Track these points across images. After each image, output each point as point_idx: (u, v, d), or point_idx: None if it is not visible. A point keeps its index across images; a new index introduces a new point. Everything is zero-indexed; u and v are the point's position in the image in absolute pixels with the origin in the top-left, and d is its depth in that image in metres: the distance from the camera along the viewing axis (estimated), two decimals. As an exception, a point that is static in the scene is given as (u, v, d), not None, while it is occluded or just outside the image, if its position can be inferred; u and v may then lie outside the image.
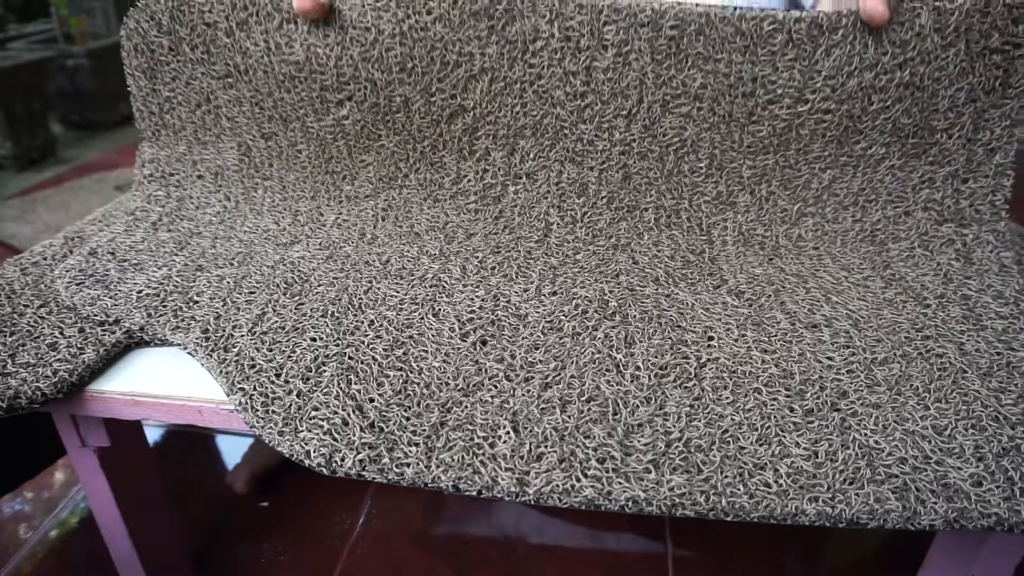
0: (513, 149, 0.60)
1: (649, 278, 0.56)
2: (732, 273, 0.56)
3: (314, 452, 0.40)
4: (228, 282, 0.54)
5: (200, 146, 0.66)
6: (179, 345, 0.49)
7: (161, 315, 0.50)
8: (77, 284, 0.53)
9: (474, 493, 0.38)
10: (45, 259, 0.59)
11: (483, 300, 0.52)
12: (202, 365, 0.47)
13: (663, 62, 0.55)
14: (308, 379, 0.44)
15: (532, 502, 0.38)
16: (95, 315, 0.51)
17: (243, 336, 0.48)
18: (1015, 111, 0.57)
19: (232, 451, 0.98)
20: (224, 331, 0.48)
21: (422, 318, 0.50)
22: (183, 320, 0.50)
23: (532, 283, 0.55)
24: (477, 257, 0.58)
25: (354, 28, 0.56)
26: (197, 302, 0.51)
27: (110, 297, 0.52)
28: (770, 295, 0.53)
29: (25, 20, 2.79)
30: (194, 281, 0.54)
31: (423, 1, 0.55)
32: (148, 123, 0.67)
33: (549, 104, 0.58)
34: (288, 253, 0.58)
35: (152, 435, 1.01)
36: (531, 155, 0.60)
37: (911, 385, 0.44)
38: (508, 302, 0.52)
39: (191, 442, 1.01)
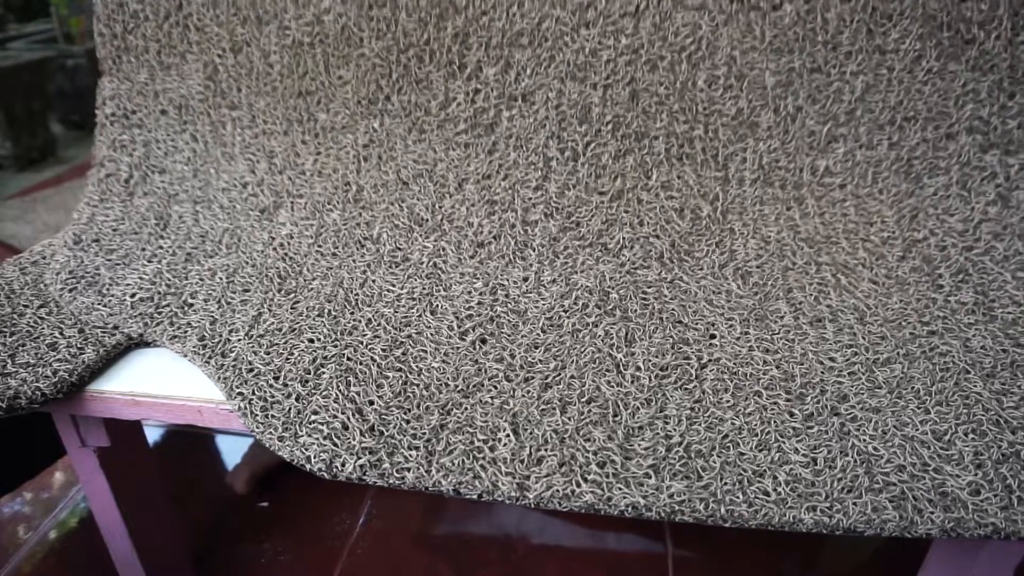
0: (508, 63, 0.55)
1: (653, 254, 0.52)
2: (743, 239, 0.52)
3: (315, 457, 0.39)
4: (220, 277, 0.53)
5: (163, 71, 0.60)
6: (178, 352, 0.49)
7: (158, 324, 0.50)
8: (70, 290, 0.53)
9: (475, 497, 0.38)
10: (45, 259, 0.58)
11: (481, 294, 0.51)
12: (201, 371, 0.47)
13: None
14: (307, 381, 0.44)
15: (532, 506, 0.38)
16: (93, 323, 0.51)
17: (240, 340, 0.48)
18: None
19: (232, 451, 0.98)
20: (221, 336, 0.48)
21: (420, 315, 0.49)
22: (179, 328, 0.49)
23: (531, 267, 0.53)
24: (471, 224, 0.53)
25: None
26: (192, 305, 0.51)
27: (105, 305, 0.51)
28: (778, 276, 0.51)
29: (25, 20, 2.78)
30: (186, 277, 0.53)
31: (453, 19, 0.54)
32: (110, 48, 0.61)
33: (548, 5, 0.54)
34: (275, 228, 0.56)
35: (152, 435, 1.01)
36: (528, 71, 0.55)
37: (912, 387, 0.44)
38: (507, 295, 0.51)
39: (191, 442, 1.01)
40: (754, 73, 0.53)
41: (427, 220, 0.53)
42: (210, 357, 0.46)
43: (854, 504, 0.37)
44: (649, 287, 0.51)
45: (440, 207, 0.53)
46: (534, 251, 0.52)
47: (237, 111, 0.59)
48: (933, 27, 0.52)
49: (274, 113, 0.58)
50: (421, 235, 0.52)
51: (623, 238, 0.52)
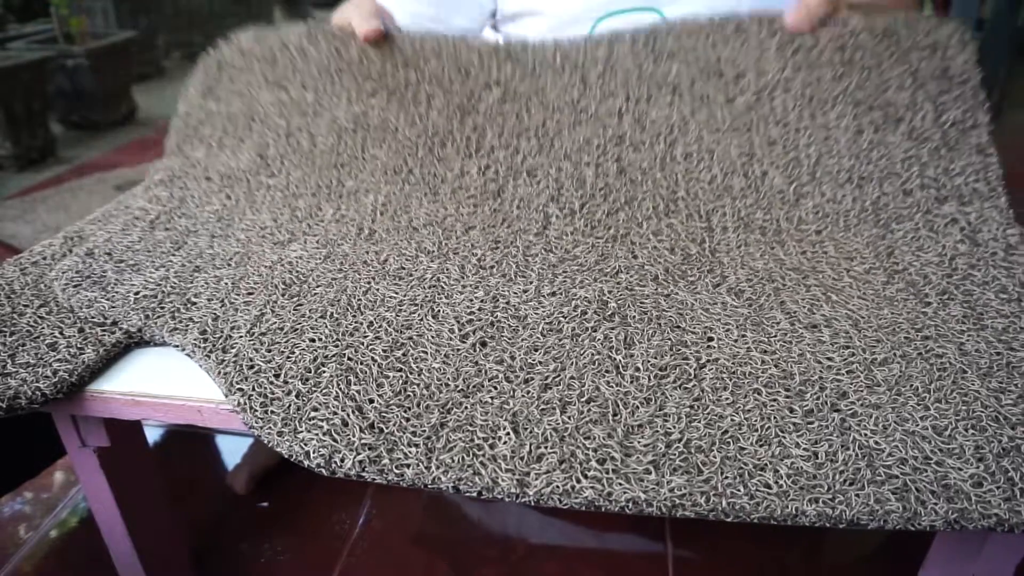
0: (516, 149, 0.65)
1: (648, 276, 0.55)
2: (733, 268, 0.56)
3: (313, 453, 0.40)
4: (226, 283, 0.54)
5: (219, 151, 0.69)
6: (177, 347, 0.49)
7: (159, 317, 0.50)
8: (74, 286, 0.53)
9: (474, 494, 0.38)
10: (45, 259, 0.59)
11: (482, 301, 0.52)
12: (201, 367, 0.47)
13: (642, 63, 0.66)
14: (307, 380, 0.44)
15: (532, 503, 0.38)
16: (92, 317, 0.51)
17: (241, 337, 0.48)
18: (970, 96, 0.61)
19: (232, 451, 0.98)
20: (222, 332, 0.48)
21: (421, 319, 0.50)
22: (181, 322, 0.49)
23: (531, 283, 0.54)
24: (476, 254, 0.58)
25: (401, 44, 0.70)
26: (195, 303, 0.51)
27: (107, 299, 0.52)
28: (770, 294, 0.53)
29: (25, 20, 2.78)
30: (192, 282, 0.54)
31: (461, 37, 0.69)
32: (179, 137, 0.72)
33: (550, 110, 0.66)
34: (286, 252, 0.58)
35: (152, 435, 1.01)
36: (532, 153, 0.65)
37: (911, 385, 0.44)
38: (507, 303, 0.52)
39: (191, 442, 1.01)
40: (721, 147, 0.62)
41: (433, 251, 0.58)
42: (211, 351, 0.46)
43: (857, 496, 0.37)
44: (646, 299, 0.53)
45: (447, 244, 0.59)
46: (534, 272, 0.56)
47: (274, 179, 0.66)
48: (864, 109, 0.62)
49: (307, 180, 0.66)
50: (426, 260, 0.57)
51: (619, 266, 0.56)
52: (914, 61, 0.62)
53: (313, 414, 0.42)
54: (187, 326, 0.49)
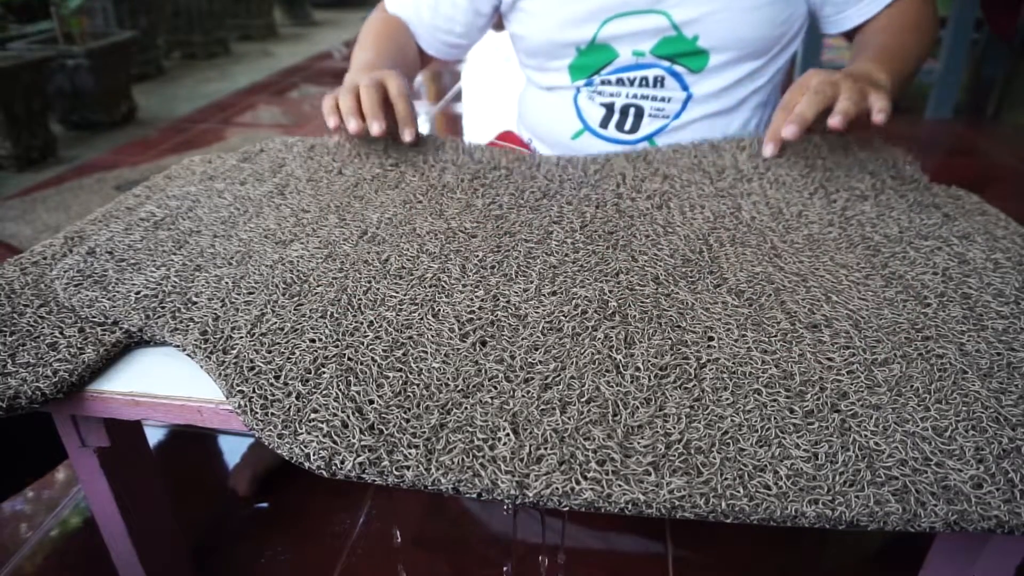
0: (521, 191, 0.72)
1: (649, 276, 0.55)
2: (732, 271, 0.56)
3: (314, 455, 0.39)
4: (227, 282, 0.54)
5: (240, 185, 0.72)
6: (178, 347, 0.49)
7: (159, 317, 0.50)
8: (75, 285, 0.53)
9: (474, 496, 0.38)
10: (45, 259, 0.59)
11: (483, 300, 0.52)
12: (201, 367, 0.47)
13: (636, 163, 0.76)
14: (307, 381, 0.44)
15: (532, 504, 0.38)
16: (93, 316, 0.51)
17: (242, 338, 0.48)
18: (923, 188, 0.70)
19: (232, 451, 0.98)
20: (223, 333, 0.48)
21: (421, 319, 0.50)
22: (181, 322, 0.49)
23: (532, 282, 0.54)
24: (477, 255, 0.58)
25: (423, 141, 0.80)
26: (195, 303, 0.51)
27: (108, 299, 0.52)
28: (770, 294, 0.53)
29: (25, 20, 2.78)
30: (192, 281, 0.54)
31: (483, 178, 0.74)
32: (204, 174, 0.76)
33: (553, 181, 0.74)
34: (287, 252, 0.58)
35: (152, 435, 1.01)
36: (536, 196, 0.70)
37: (911, 386, 0.44)
38: (508, 302, 0.52)
39: (191, 442, 1.01)
40: (711, 205, 0.67)
41: (435, 252, 0.59)
42: (211, 352, 0.46)
43: (856, 497, 0.37)
44: (647, 298, 0.53)
45: (449, 246, 0.60)
46: (535, 272, 0.56)
47: (286, 200, 0.68)
48: (833, 189, 0.69)
49: (318, 201, 0.68)
50: (427, 260, 0.57)
51: (619, 267, 0.57)
52: (871, 166, 0.73)
53: (313, 416, 0.42)
54: (188, 326, 0.49)
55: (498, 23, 0.93)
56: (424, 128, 0.81)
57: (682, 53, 0.81)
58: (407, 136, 0.75)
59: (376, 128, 0.71)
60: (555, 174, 0.75)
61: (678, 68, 0.82)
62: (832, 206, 0.67)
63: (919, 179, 0.71)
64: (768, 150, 0.73)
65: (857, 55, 0.81)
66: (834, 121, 0.65)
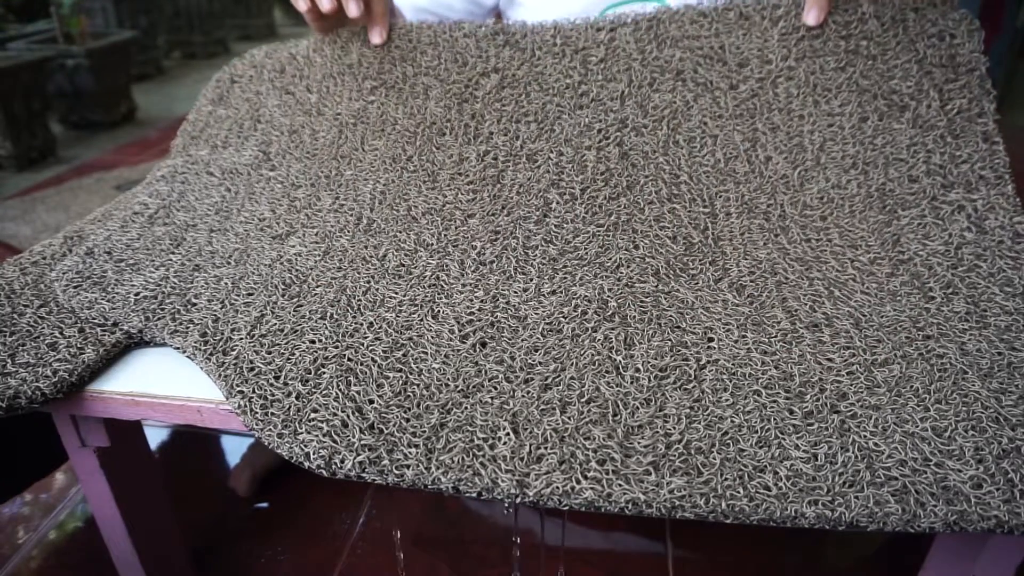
0: (515, 135, 0.65)
1: (649, 270, 0.55)
2: (735, 259, 0.55)
3: (314, 454, 0.40)
4: (226, 283, 0.54)
5: (223, 149, 0.70)
6: (178, 349, 0.49)
7: (159, 319, 0.50)
8: (75, 287, 0.53)
9: (474, 495, 0.38)
10: (45, 259, 0.59)
11: (482, 301, 0.52)
12: (201, 368, 0.47)
13: (645, 47, 0.66)
14: (307, 381, 0.44)
15: (532, 504, 0.38)
16: (93, 318, 0.51)
17: (242, 339, 0.48)
18: (976, 84, 0.61)
19: (232, 451, 0.98)
20: (222, 334, 0.48)
21: (421, 320, 0.50)
22: (181, 324, 0.49)
23: (531, 281, 0.54)
24: (475, 247, 0.57)
25: (398, 39, 0.72)
26: (195, 304, 0.51)
27: (108, 301, 0.52)
28: (772, 289, 0.52)
29: (25, 20, 2.78)
30: (192, 282, 0.54)
31: (457, 24, 0.70)
32: (185, 139, 0.74)
33: (550, 94, 0.66)
34: (285, 248, 0.58)
35: (152, 435, 1.01)
36: (532, 138, 0.64)
37: (911, 386, 0.44)
38: (507, 303, 0.52)
39: (191, 442, 1.01)
40: (724, 133, 0.62)
41: (432, 244, 0.57)
42: (211, 354, 0.46)
43: (856, 498, 0.37)
44: (647, 297, 0.52)
45: (446, 235, 0.58)
46: (534, 268, 0.55)
47: (275, 172, 0.67)
48: (868, 97, 0.61)
49: (307, 172, 0.66)
50: (426, 255, 0.56)
51: (620, 258, 0.56)
52: (920, 49, 0.62)
53: (313, 415, 0.42)
54: (187, 328, 0.49)
55: (497, 17, 0.93)
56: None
57: None
58: (376, 38, 0.70)
59: (353, 9, 0.65)
60: (554, 74, 0.67)
61: None
62: (863, 128, 0.61)
63: (976, 66, 0.61)
64: (811, 17, 0.63)
65: None
66: (809, 18, 0.61)
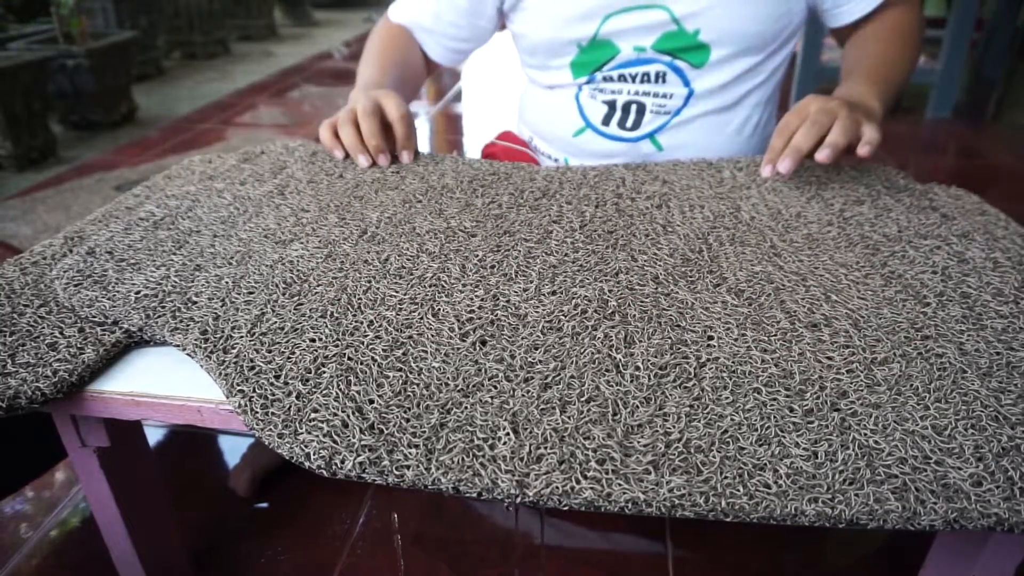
0: (521, 191, 0.72)
1: (648, 276, 0.56)
2: (732, 271, 0.56)
3: (314, 454, 0.40)
4: (227, 282, 0.54)
5: (240, 185, 0.72)
6: (178, 346, 0.49)
7: (159, 316, 0.50)
8: (75, 285, 0.53)
9: (474, 495, 0.38)
10: (45, 259, 0.59)
11: (482, 300, 0.52)
12: (201, 367, 0.47)
13: (636, 171, 0.76)
14: (308, 380, 0.44)
15: (532, 504, 0.38)
16: (93, 316, 0.51)
17: (242, 337, 0.48)
18: (920, 195, 0.70)
19: (232, 451, 0.98)
20: (223, 332, 0.48)
21: (421, 318, 0.50)
22: (181, 321, 0.50)
23: (532, 282, 0.55)
24: (477, 255, 0.58)
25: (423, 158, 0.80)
26: (196, 302, 0.51)
27: (108, 298, 0.52)
28: (770, 294, 0.53)
29: (25, 20, 2.78)
30: (193, 281, 0.54)
31: (482, 179, 0.75)
32: (203, 174, 0.77)
33: (554, 181, 0.75)
34: (287, 252, 0.58)
35: (152, 435, 1.01)
36: (536, 196, 0.70)
37: (911, 385, 0.44)
38: (508, 302, 0.52)
39: (191, 442, 1.01)
40: (710, 205, 0.68)
41: (434, 252, 0.59)
42: (212, 351, 0.46)
43: (856, 496, 0.37)
44: (646, 297, 0.53)
45: (448, 245, 0.60)
46: (535, 272, 0.57)
47: (286, 200, 0.69)
48: (830, 196, 0.70)
49: (318, 200, 0.69)
50: (427, 259, 0.58)
51: (619, 267, 0.57)
52: (863, 177, 0.74)
53: (313, 415, 0.42)
54: (188, 326, 0.49)
55: (502, 23, 0.93)
56: (424, 129, 0.82)
57: (683, 48, 0.81)
58: (405, 159, 0.79)
59: (383, 161, 0.77)
60: (554, 176, 0.75)
61: (680, 63, 0.82)
62: (830, 208, 0.68)
63: (913, 187, 0.72)
64: (766, 171, 0.73)
65: (851, 70, 0.82)
66: (822, 156, 0.66)
